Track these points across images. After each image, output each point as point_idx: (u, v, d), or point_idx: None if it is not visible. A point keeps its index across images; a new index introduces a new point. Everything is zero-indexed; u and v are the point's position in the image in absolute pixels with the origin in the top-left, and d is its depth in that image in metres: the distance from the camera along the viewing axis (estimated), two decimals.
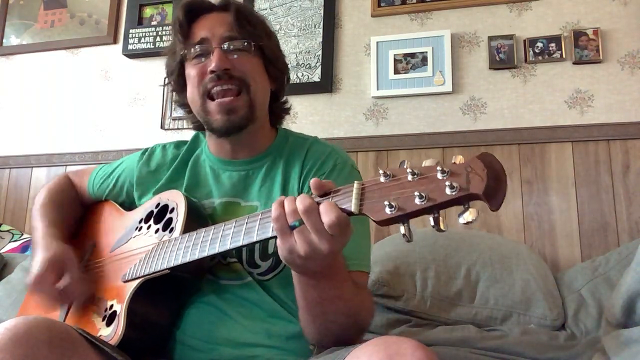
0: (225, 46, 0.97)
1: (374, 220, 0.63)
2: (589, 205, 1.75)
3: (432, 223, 0.60)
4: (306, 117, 2.09)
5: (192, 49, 0.99)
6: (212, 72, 0.95)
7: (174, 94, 1.11)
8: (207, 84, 0.96)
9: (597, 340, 1.22)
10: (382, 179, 0.64)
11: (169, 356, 0.93)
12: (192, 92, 1.00)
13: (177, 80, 1.05)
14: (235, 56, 0.98)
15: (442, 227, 0.60)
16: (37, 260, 0.98)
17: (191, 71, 1.00)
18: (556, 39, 1.87)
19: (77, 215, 1.21)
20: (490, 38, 1.93)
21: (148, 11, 2.37)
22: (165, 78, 1.11)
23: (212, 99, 0.97)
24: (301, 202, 0.67)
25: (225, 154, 1.06)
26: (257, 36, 1.00)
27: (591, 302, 1.42)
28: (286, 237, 0.70)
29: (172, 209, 0.96)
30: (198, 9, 1.02)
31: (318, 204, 0.68)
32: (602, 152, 1.78)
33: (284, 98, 1.13)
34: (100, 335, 0.87)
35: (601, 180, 1.76)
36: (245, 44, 0.98)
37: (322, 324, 0.82)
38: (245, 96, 0.97)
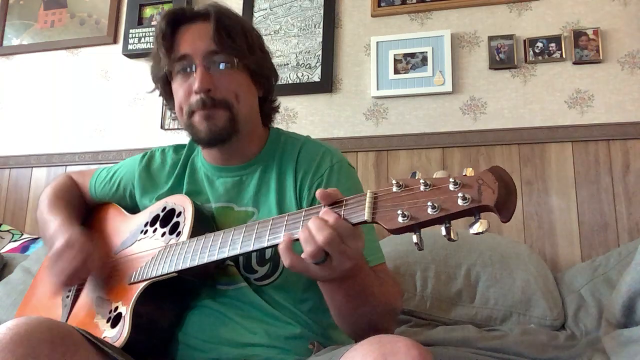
0: (207, 62, 0.97)
1: (386, 229, 0.65)
2: (589, 205, 1.75)
3: (443, 233, 0.62)
4: (306, 117, 2.08)
5: (176, 65, 0.99)
6: (196, 92, 0.96)
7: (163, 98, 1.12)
8: (192, 105, 0.97)
9: (597, 340, 1.22)
10: (394, 189, 0.66)
11: (171, 357, 0.93)
12: (179, 109, 1.01)
13: (163, 88, 1.06)
14: (221, 67, 0.98)
15: (453, 237, 0.62)
16: (58, 241, 0.98)
17: (177, 87, 1.01)
18: (556, 39, 1.87)
19: (83, 213, 1.21)
20: (490, 38, 1.93)
21: (148, 11, 2.37)
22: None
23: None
24: (320, 234, 0.68)
25: (217, 161, 1.06)
26: (239, 50, 0.99)
27: (591, 302, 1.42)
28: (308, 271, 0.72)
29: (179, 213, 0.97)
30: (180, 19, 1.01)
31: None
32: (602, 152, 1.78)
33: (274, 96, 1.13)
34: (105, 337, 0.87)
35: (601, 180, 1.76)
36: (228, 59, 0.98)
37: (355, 319, 0.84)
38: (227, 113, 0.97)
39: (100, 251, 1.02)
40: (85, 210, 1.22)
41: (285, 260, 0.71)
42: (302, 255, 0.70)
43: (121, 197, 1.17)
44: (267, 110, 1.11)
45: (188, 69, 0.98)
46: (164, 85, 1.05)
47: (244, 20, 1.06)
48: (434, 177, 0.64)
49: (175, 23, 1.00)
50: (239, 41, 0.99)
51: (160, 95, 1.10)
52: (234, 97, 0.98)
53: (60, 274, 0.96)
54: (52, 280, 0.98)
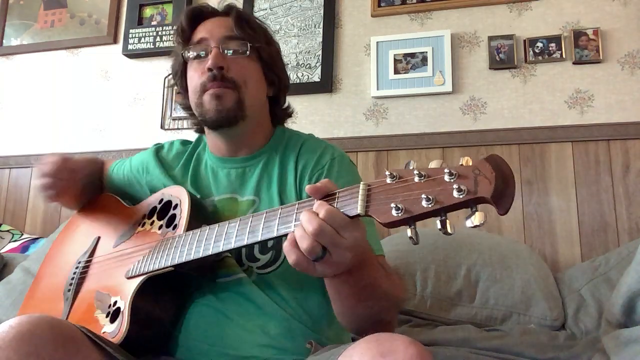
0: (222, 46, 1.01)
1: (379, 222, 0.63)
2: (589, 205, 1.75)
3: (438, 226, 0.59)
4: (306, 117, 2.08)
5: (192, 49, 1.03)
6: (208, 69, 0.99)
7: (179, 95, 1.15)
8: (205, 82, 1.00)
9: (597, 340, 1.22)
10: (388, 180, 0.64)
11: (169, 354, 0.94)
12: (192, 90, 1.04)
13: (180, 81, 1.10)
14: (232, 56, 1.01)
15: (449, 230, 0.59)
16: None
17: (192, 72, 1.04)
18: (556, 39, 1.87)
19: (96, 181, 1.25)
20: (490, 38, 1.93)
21: (148, 11, 2.36)
22: (166, 77, 1.13)
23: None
24: (309, 225, 0.67)
25: (223, 153, 1.09)
26: (256, 39, 1.03)
27: (591, 302, 1.42)
28: (313, 270, 0.71)
29: (176, 205, 0.98)
30: (200, 15, 1.06)
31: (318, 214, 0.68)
32: (602, 152, 1.77)
33: (287, 103, 1.16)
34: (104, 332, 0.87)
35: (601, 180, 1.76)
36: (243, 45, 1.02)
37: (359, 312, 0.83)
38: (235, 93, 1.00)
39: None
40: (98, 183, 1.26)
41: (290, 258, 0.70)
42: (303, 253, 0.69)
43: (134, 179, 1.19)
44: (279, 112, 1.14)
45: (203, 54, 1.02)
46: (181, 78, 1.09)
47: (265, 24, 1.11)
48: (428, 167, 0.62)
49: (195, 18, 1.06)
50: (258, 32, 1.05)
51: (177, 92, 1.14)
52: (243, 81, 1.01)
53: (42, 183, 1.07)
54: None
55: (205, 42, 1.02)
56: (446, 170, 0.59)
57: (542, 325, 1.40)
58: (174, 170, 1.13)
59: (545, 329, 1.37)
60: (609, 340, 1.06)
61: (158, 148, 1.20)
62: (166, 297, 0.94)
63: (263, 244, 0.95)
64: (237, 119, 1.01)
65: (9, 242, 2.16)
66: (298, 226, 0.69)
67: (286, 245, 0.70)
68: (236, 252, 0.96)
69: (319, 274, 0.72)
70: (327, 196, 0.70)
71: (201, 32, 1.03)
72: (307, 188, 0.70)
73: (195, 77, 1.02)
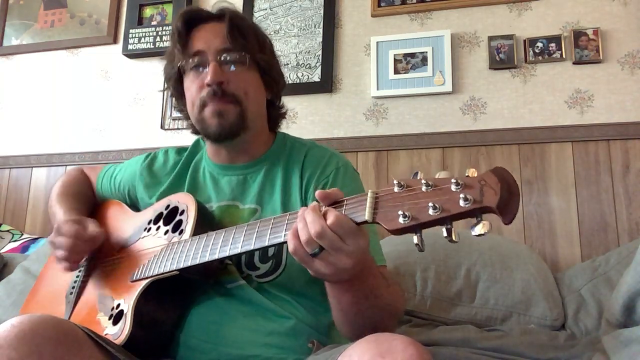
0: (220, 58, 1.00)
1: (387, 229, 0.64)
2: (589, 205, 1.75)
3: (444, 234, 0.61)
4: (306, 117, 2.08)
5: (190, 61, 1.02)
6: (208, 85, 0.98)
7: (173, 99, 1.14)
8: (204, 97, 1.00)
9: (597, 340, 1.22)
10: (396, 189, 0.65)
11: (172, 356, 0.94)
12: (190, 103, 1.03)
13: (175, 87, 1.09)
14: (231, 68, 1.01)
15: (454, 238, 0.61)
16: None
17: (189, 83, 1.03)
18: (556, 39, 1.87)
19: (91, 203, 1.24)
20: (490, 38, 1.93)
21: (148, 11, 2.36)
22: (164, 82, 1.13)
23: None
24: (312, 226, 0.68)
25: (223, 160, 1.09)
26: (251, 49, 1.03)
27: (591, 302, 1.42)
28: (310, 264, 0.72)
29: (182, 211, 0.97)
30: (196, 19, 1.04)
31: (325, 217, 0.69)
32: (602, 152, 1.78)
33: (281, 102, 1.16)
34: (106, 334, 0.87)
35: (601, 180, 1.76)
36: (240, 56, 1.01)
37: (358, 321, 0.84)
38: (237, 107, 1.00)
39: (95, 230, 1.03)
40: (94, 201, 1.25)
41: (289, 245, 0.72)
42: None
43: (122, 196, 1.20)
44: (275, 115, 1.14)
45: (201, 68, 1.01)
46: (176, 84, 1.07)
47: (256, 24, 1.10)
48: (436, 177, 0.64)
49: (190, 22, 1.04)
50: (251, 40, 1.03)
51: (171, 96, 1.13)
52: (244, 93, 1.01)
53: (60, 256, 0.98)
54: (59, 268, 1.00)
55: (202, 54, 1.01)
56: (453, 180, 0.61)
57: (542, 325, 1.40)
58: (165, 184, 1.12)
59: (545, 329, 1.37)
60: (609, 340, 1.06)
61: (152, 160, 1.18)
62: (170, 301, 0.94)
63: (264, 253, 0.96)
64: (240, 132, 1.01)
65: (9, 242, 2.16)
66: (300, 219, 0.70)
67: (288, 234, 0.72)
68: (236, 259, 0.97)
69: (316, 269, 0.72)
70: (335, 203, 0.71)
71: (197, 42, 1.02)
72: (317, 193, 0.72)
73: (193, 89, 1.01)
